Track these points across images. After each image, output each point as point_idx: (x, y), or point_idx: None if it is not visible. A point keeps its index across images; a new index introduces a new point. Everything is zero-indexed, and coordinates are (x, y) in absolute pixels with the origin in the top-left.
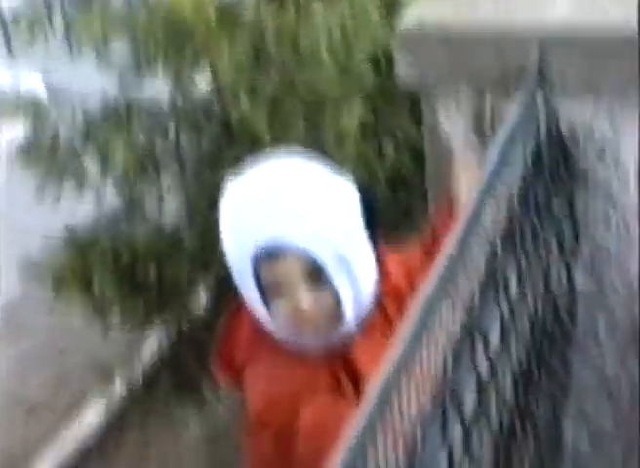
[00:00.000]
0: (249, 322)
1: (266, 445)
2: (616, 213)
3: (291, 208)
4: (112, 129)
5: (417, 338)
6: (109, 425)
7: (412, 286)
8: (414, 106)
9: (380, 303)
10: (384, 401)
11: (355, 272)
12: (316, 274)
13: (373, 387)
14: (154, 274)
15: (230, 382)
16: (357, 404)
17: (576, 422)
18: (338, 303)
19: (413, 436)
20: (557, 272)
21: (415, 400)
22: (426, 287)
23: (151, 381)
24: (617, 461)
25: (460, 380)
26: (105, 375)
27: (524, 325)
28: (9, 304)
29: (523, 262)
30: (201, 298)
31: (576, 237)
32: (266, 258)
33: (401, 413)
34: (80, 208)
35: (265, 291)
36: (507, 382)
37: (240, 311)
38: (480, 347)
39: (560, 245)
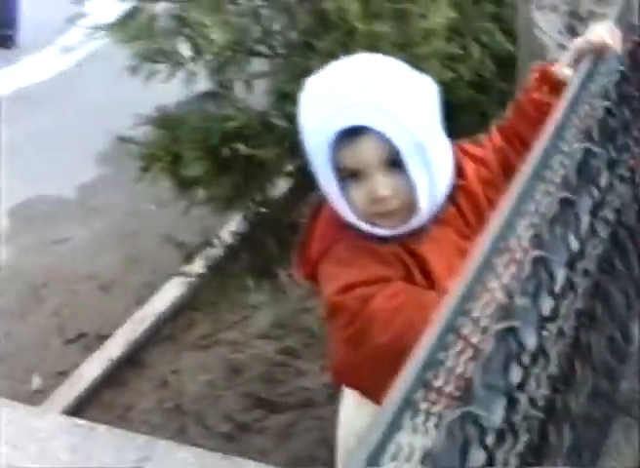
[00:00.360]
0: (326, 215)
1: (342, 332)
2: None
3: (373, 93)
4: (209, 9)
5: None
6: (181, 306)
7: (486, 184)
8: (499, 12)
9: (454, 201)
10: (478, 279)
11: (431, 161)
12: (393, 161)
13: (469, 263)
14: (242, 153)
15: (307, 278)
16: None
17: None
18: (412, 192)
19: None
20: None
21: (508, 272)
22: (521, 173)
23: (228, 263)
24: None
25: (552, 256)
26: (183, 255)
27: (610, 216)
28: (84, 186)
29: (614, 155)
30: (283, 184)
31: None
32: (346, 142)
33: (493, 289)
34: (169, 89)
35: (343, 178)
36: (592, 266)
37: (319, 208)
38: (572, 230)
39: None
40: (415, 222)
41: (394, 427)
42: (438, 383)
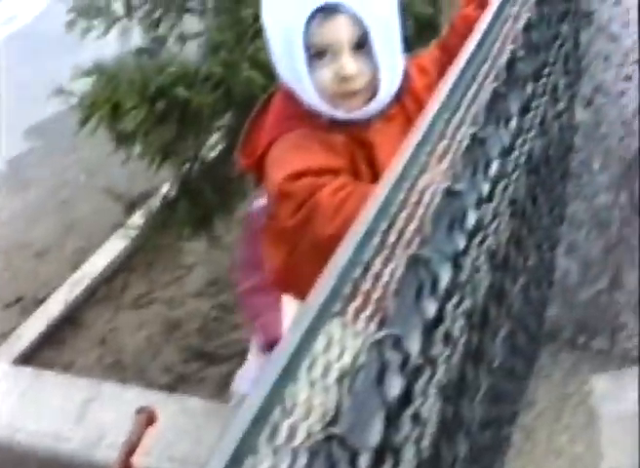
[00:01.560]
0: (277, 107)
1: (287, 220)
2: (616, 51)
3: None
4: None
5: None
6: (117, 268)
7: (427, 90)
8: None
9: (400, 101)
10: (404, 178)
11: (394, 46)
12: (361, 42)
13: (394, 166)
14: (180, 100)
15: (251, 169)
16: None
17: (567, 251)
18: (375, 73)
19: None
20: (562, 104)
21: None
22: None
23: (166, 214)
24: (604, 290)
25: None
26: (124, 206)
27: (525, 151)
28: (14, 159)
29: (528, 90)
30: (218, 145)
31: (578, 73)
32: (319, 20)
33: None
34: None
35: (309, 58)
36: (504, 207)
37: (266, 104)
38: (481, 168)
39: (565, 79)
40: (373, 106)
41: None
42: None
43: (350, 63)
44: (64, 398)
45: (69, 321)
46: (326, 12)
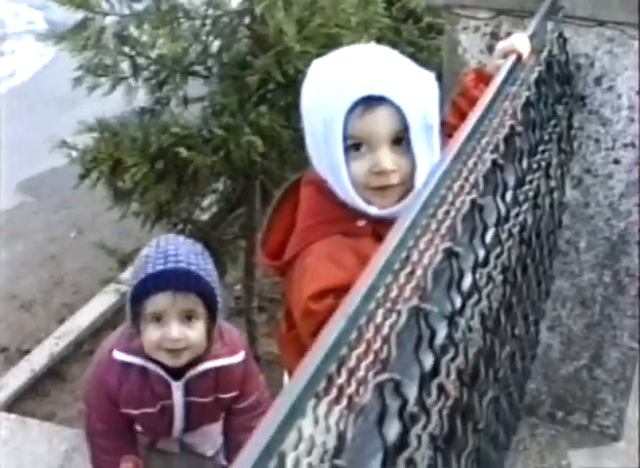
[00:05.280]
0: (308, 205)
1: (307, 335)
2: (606, 135)
3: (394, 68)
4: (154, 24)
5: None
6: (103, 324)
7: None
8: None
9: None
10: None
11: (433, 145)
12: (399, 137)
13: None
14: (181, 158)
15: (275, 271)
16: None
17: (550, 327)
18: (413, 171)
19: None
20: (554, 182)
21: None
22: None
23: None
24: (584, 367)
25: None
26: (117, 261)
27: (518, 222)
28: (5, 212)
29: (524, 164)
30: (213, 201)
31: (570, 153)
32: (360, 111)
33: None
34: (104, 106)
35: (346, 150)
36: (497, 273)
37: (288, 195)
38: (478, 234)
39: (558, 158)
40: (407, 202)
41: (297, 412)
42: (340, 380)
43: (387, 158)
44: (49, 447)
45: (53, 374)
46: (368, 103)
